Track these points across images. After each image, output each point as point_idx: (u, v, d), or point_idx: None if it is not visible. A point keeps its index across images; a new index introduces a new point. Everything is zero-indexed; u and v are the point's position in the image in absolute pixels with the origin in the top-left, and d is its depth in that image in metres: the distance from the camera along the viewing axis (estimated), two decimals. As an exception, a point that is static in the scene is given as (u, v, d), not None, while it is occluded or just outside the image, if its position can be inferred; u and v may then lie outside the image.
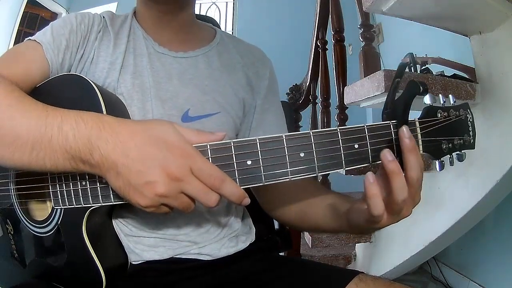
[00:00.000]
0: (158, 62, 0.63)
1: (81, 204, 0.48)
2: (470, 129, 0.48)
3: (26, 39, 0.58)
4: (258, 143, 0.42)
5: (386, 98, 0.46)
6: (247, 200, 0.43)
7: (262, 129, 0.69)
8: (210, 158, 0.42)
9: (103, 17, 0.65)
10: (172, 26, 0.65)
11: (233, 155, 0.42)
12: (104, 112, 0.48)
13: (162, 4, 0.63)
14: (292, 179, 0.43)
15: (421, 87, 0.42)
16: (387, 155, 0.41)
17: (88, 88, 0.50)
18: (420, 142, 0.45)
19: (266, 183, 0.43)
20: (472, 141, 0.48)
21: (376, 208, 0.42)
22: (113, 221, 0.58)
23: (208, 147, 0.43)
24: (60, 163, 0.42)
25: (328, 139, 0.43)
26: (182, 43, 0.66)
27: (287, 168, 0.42)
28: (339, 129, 0.43)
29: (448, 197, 1.23)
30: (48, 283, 0.55)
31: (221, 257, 0.63)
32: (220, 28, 0.77)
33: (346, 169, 0.44)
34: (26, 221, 0.57)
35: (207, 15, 0.90)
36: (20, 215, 0.57)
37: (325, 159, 0.43)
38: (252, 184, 0.43)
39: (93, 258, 0.49)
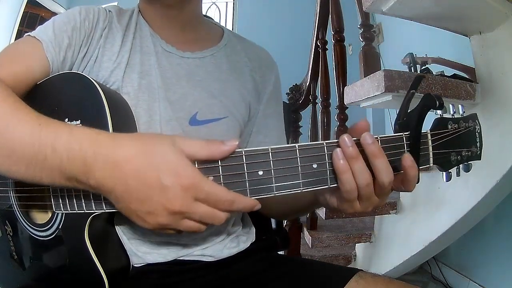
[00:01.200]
0: (166, 61, 0.61)
1: (83, 210, 0.47)
2: (478, 140, 0.48)
3: (25, 34, 0.56)
4: (270, 153, 0.41)
5: (400, 109, 0.46)
6: (259, 206, 0.41)
7: (263, 134, 0.68)
8: (220, 167, 0.41)
9: (109, 11, 0.62)
10: (178, 21, 0.63)
11: (244, 164, 0.41)
12: (108, 114, 0.46)
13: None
14: (304, 190, 0.41)
15: (437, 102, 0.42)
16: (346, 141, 0.41)
17: (91, 88, 0.48)
18: (431, 155, 0.45)
19: (277, 194, 0.41)
20: (478, 152, 0.48)
21: (347, 183, 0.41)
22: (115, 225, 0.57)
23: None
24: (57, 181, 0.40)
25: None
26: (189, 42, 0.64)
27: (299, 180, 0.41)
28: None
29: (448, 197, 1.23)
30: (48, 286, 0.55)
31: (223, 257, 0.63)
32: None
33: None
34: (26, 223, 0.56)
35: (207, 15, 0.89)
36: (20, 217, 0.56)
37: None
38: (263, 195, 0.41)
39: (95, 262, 0.48)
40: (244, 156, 0.41)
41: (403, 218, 1.47)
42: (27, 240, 0.56)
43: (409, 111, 0.45)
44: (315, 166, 0.41)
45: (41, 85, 0.53)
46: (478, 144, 0.48)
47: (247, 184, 0.41)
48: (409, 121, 0.44)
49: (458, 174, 0.47)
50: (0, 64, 0.52)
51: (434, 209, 1.29)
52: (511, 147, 0.98)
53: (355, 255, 1.80)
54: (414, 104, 0.45)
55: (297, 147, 0.41)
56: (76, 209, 0.47)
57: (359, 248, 1.77)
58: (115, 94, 0.54)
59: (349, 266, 1.81)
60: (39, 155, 0.40)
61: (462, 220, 1.17)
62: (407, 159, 0.42)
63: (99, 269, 0.48)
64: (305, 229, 1.68)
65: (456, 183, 1.19)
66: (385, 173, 0.41)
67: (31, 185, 0.52)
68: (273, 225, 0.87)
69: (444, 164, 0.46)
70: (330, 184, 0.42)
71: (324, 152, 0.42)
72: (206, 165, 0.40)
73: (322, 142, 0.42)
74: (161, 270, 0.59)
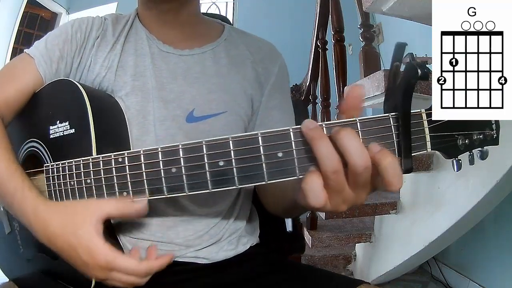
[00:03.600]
0: (162, 61, 0.61)
1: None
2: (493, 122, 0.39)
3: (24, 50, 0.60)
4: (231, 142, 0.39)
5: (387, 86, 0.39)
6: (173, 258, 0.50)
7: (267, 127, 0.64)
8: (181, 159, 0.40)
9: (106, 19, 0.64)
10: (175, 24, 0.64)
11: (205, 155, 0.40)
12: (90, 118, 0.49)
13: (161, 4, 0.61)
14: (269, 182, 0.38)
15: (419, 71, 0.35)
16: (307, 123, 0.37)
17: (76, 92, 0.51)
18: (428, 138, 0.38)
19: (240, 186, 0.40)
20: (495, 136, 0.39)
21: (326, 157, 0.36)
22: (112, 222, 0.57)
23: (180, 146, 0.41)
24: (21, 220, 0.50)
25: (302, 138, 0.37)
26: (188, 40, 0.64)
27: (262, 170, 0.38)
28: (324, 124, 0.37)
29: (448, 197, 1.23)
30: (47, 276, 0.56)
31: (219, 260, 0.61)
32: (231, 24, 0.75)
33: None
34: None
35: (217, 13, 0.88)
36: None
37: (307, 159, 0.37)
38: (225, 187, 0.40)
39: None
40: (204, 146, 0.40)
41: (403, 218, 1.47)
42: (30, 234, 0.57)
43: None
44: (280, 155, 0.38)
45: (39, 92, 0.58)
46: (493, 125, 0.39)
47: (208, 175, 0.40)
48: (395, 99, 0.37)
49: (471, 162, 0.39)
50: None
51: (434, 209, 1.29)
52: (511, 147, 0.98)
53: (355, 255, 1.80)
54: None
55: (259, 135, 0.38)
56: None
57: (359, 248, 1.78)
58: (104, 98, 0.56)
59: (349, 266, 1.81)
60: (6, 198, 0.50)
61: (462, 220, 1.17)
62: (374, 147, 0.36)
63: None
64: (305, 229, 1.68)
65: (456, 183, 1.19)
66: (358, 155, 0.35)
67: (34, 181, 0.54)
68: (290, 228, 0.83)
69: (449, 150, 0.39)
70: (299, 174, 0.38)
71: (291, 139, 0.37)
72: (169, 157, 0.42)
73: (287, 128, 0.38)
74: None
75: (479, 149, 0.39)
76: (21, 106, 0.59)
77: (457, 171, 0.39)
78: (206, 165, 0.40)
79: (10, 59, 4.03)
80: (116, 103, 0.56)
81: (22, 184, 0.49)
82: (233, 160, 0.39)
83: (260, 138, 0.38)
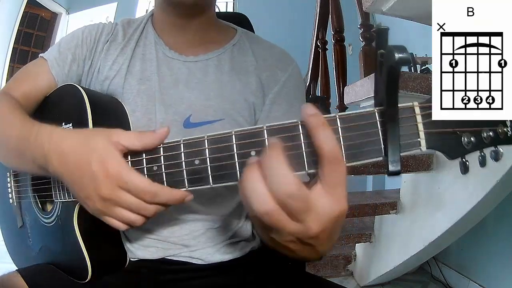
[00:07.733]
0: (166, 67, 0.62)
1: (71, 198, 0.51)
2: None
3: (39, 55, 0.65)
4: (206, 141, 0.39)
5: (374, 80, 0.36)
6: (190, 197, 0.42)
7: None
8: (162, 157, 0.42)
9: (117, 24, 0.66)
10: (188, 30, 0.64)
11: (182, 153, 0.40)
12: (90, 119, 0.52)
13: (180, 9, 0.61)
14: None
15: (395, 54, 0.30)
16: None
17: (79, 96, 0.55)
18: (422, 136, 0.34)
19: (214, 186, 0.40)
20: (510, 133, 0.34)
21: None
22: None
23: (161, 145, 0.42)
24: (36, 170, 0.48)
25: (286, 134, 0.36)
26: (195, 47, 0.64)
27: (236, 169, 0.38)
28: (301, 122, 0.36)
29: (448, 197, 1.23)
30: (53, 267, 0.58)
31: (214, 262, 0.61)
32: (248, 21, 0.73)
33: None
34: (38, 212, 0.62)
35: (241, 13, 0.87)
36: (35, 207, 0.62)
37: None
38: (200, 186, 0.40)
39: (82, 250, 0.51)
40: (182, 145, 0.40)
41: (403, 218, 1.47)
42: (38, 227, 0.62)
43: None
44: (253, 153, 0.37)
45: (49, 96, 0.63)
46: (508, 122, 0.34)
47: (184, 173, 0.40)
48: (382, 91, 0.33)
49: (482, 164, 0.35)
50: (13, 84, 0.63)
51: (434, 209, 1.29)
52: (511, 147, 0.98)
53: (355, 255, 1.80)
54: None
55: (233, 133, 0.38)
56: (66, 197, 0.52)
57: (359, 248, 1.78)
58: (106, 101, 0.59)
59: (349, 266, 1.81)
60: (23, 147, 0.48)
61: (462, 220, 1.17)
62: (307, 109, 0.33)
63: (85, 257, 0.51)
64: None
65: (456, 183, 1.19)
66: (276, 182, 0.30)
67: (41, 178, 0.58)
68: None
69: (452, 149, 0.34)
70: None
71: (264, 137, 0.36)
72: (151, 154, 0.42)
73: (261, 126, 0.37)
74: (153, 267, 0.59)
75: (493, 148, 0.34)
76: (36, 103, 0.62)
77: (463, 174, 0.35)
78: (183, 163, 0.40)
79: (10, 59, 4.03)
80: (121, 106, 0.59)
81: (38, 125, 0.49)
82: (208, 158, 0.39)
83: (234, 136, 0.38)
